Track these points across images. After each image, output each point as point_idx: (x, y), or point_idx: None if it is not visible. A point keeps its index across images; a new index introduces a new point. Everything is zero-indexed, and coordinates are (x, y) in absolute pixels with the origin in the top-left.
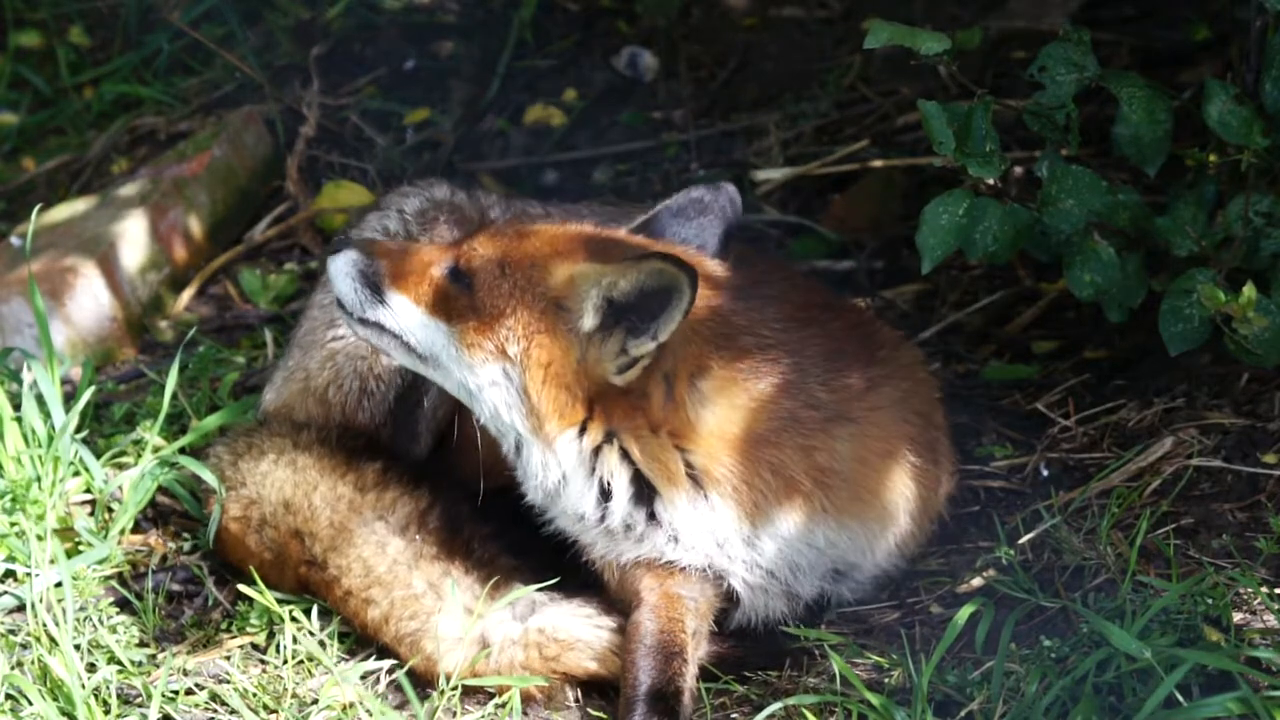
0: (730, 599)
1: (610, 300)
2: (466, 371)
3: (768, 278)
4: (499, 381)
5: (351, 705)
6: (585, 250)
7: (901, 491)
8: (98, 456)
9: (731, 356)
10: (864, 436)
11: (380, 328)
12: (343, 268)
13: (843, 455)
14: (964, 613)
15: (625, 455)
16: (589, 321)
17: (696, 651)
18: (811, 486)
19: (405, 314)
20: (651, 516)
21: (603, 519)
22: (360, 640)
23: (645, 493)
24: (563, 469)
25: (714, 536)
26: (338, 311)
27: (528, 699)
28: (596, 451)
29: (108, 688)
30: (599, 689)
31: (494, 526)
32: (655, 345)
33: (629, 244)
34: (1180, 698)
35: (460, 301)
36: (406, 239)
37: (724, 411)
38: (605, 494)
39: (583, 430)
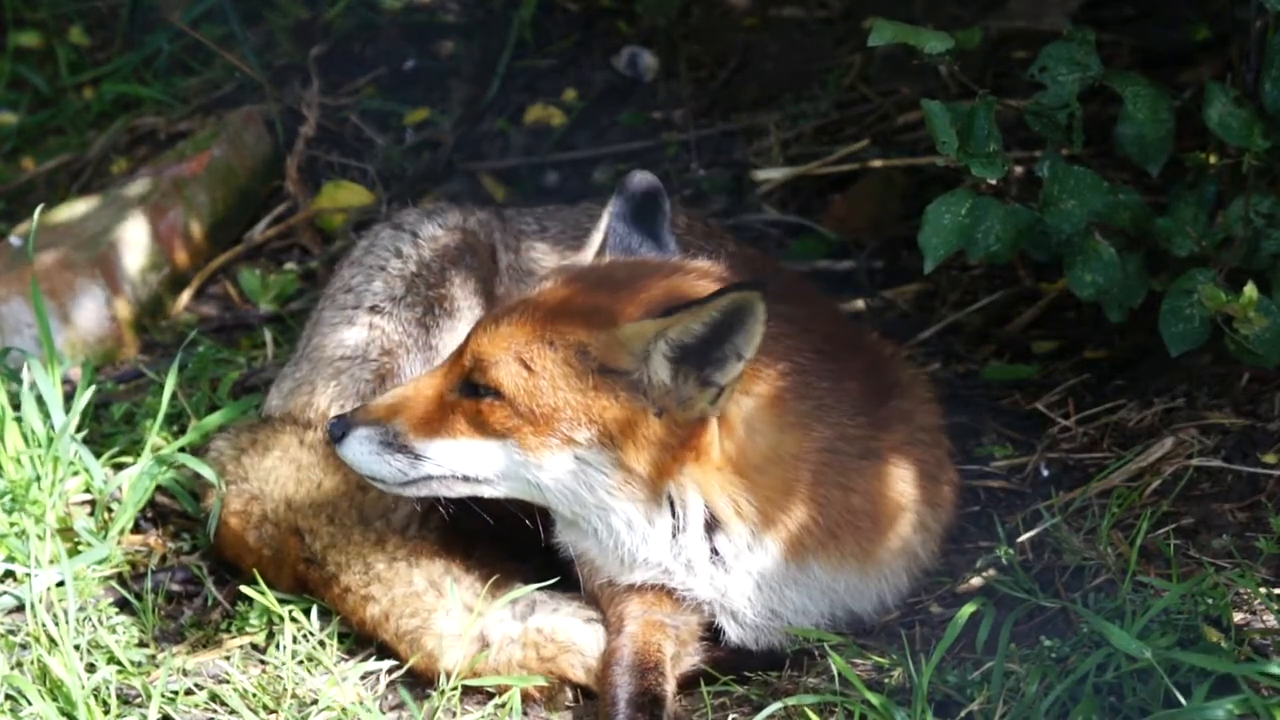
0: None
1: (682, 346)
2: (536, 472)
3: (790, 297)
4: (573, 469)
5: (351, 705)
6: (602, 310)
7: (916, 528)
8: (97, 456)
9: (775, 375)
10: (888, 476)
11: (429, 478)
12: (362, 449)
13: (872, 496)
14: (964, 613)
15: (697, 488)
16: (661, 374)
17: (675, 671)
18: (845, 532)
19: (449, 454)
20: (715, 552)
21: (672, 556)
22: (360, 640)
23: (711, 524)
24: (656, 520)
25: (758, 578)
26: (375, 485)
27: (527, 699)
28: (679, 488)
29: (107, 688)
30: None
31: (494, 527)
32: (743, 364)
33: (625, 280)
34: (1181, 698)
35: (499, 413)
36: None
37: (774, 436)
38: (678, 530)
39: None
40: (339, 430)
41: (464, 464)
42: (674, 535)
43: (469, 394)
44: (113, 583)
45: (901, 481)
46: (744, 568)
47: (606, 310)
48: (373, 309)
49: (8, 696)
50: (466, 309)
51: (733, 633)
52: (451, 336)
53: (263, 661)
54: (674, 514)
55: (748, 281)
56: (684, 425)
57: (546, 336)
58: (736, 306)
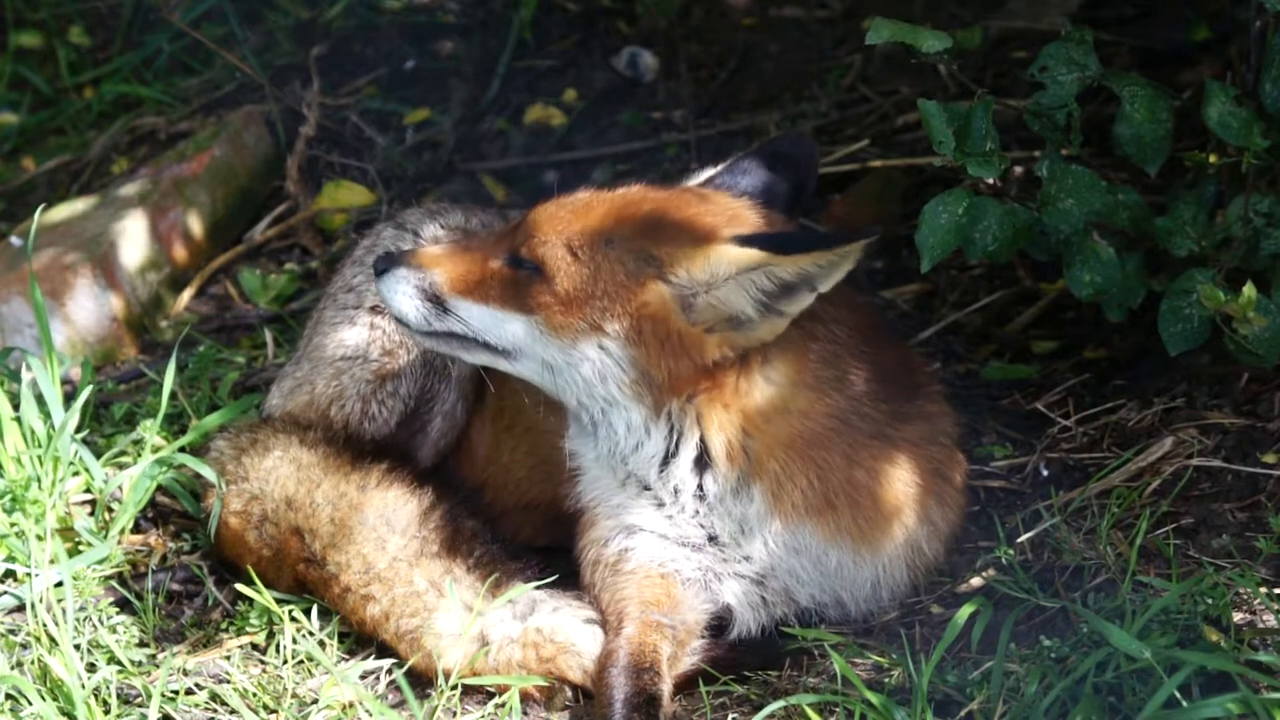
0: (718, 630)
1: (783, 283)
2: (555, 352)
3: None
4: (592, 357)
5: (351, 705)
6: (681, 225)
7: (922, 520)
8: (98, 456)
9: (806, 335)
10: (897, 461)
11: (450, 335)
12: (397, 288)
13: (877, 475)
14: (964, 612)
15: (697, 421)
16: (736, 302)
17: (672, 672)
18: (842, 503)
19: (476, 316)
20: (700, 489)
21: (660, 480)
22: (360, 640)
23: (702, 462)
24: (653, 432)
25: (740, 521)
26: (399, 328)
27: (527, 698)
28: (681, 413)
29: (108, 688)
30: None
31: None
32: (815, 295)
33: (719, 215)
34: (1180, 698)
35: (534, 288)
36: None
37: (788, 390)
38: (670, 455)
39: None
40: (383, 265)
41: (488, 330)
42: (665, 459)
43: (512, 264)
44: (113, 582)
45: (911, 471)
46: (726, 510)
47: (686, 226)
48: (374, 309)
49: (8, 696)
50: None
51: (729, 594)
52: None
53: (263, 661)
54: (669, 435)
55: (865, 230)
56: (731, 344)
57: (606, 232)
58: (844, 258)
